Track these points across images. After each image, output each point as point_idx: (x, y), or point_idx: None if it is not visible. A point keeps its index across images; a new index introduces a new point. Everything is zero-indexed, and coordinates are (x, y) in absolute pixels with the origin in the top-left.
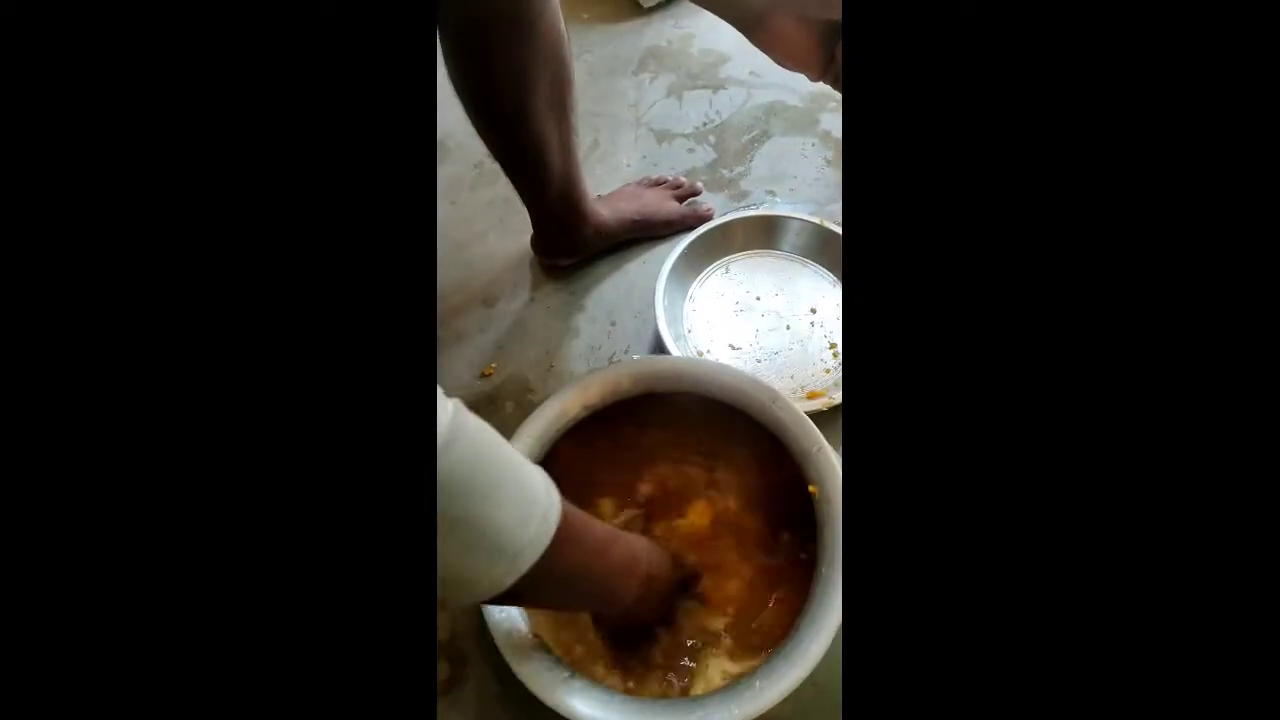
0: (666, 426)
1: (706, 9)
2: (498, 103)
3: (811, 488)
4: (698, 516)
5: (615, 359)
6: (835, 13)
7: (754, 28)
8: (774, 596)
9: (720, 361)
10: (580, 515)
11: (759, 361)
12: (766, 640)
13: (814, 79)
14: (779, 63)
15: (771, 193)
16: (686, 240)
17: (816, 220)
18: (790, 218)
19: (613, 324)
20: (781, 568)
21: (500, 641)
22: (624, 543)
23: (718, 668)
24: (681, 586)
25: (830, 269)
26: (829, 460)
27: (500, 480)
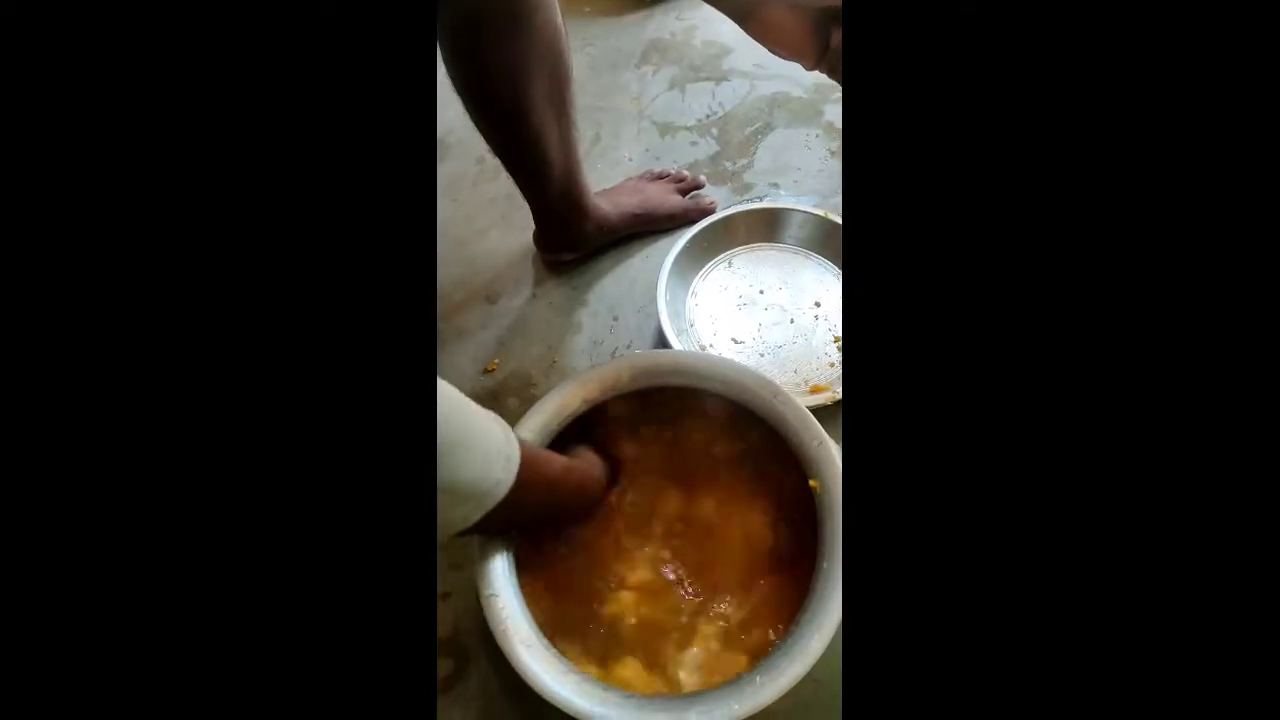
0: (666, 420)
1: (703, 0)
2: (495, 98)
3: (812, 482)
4: (697, 510)
5: (618, 354)
6: (827, 0)
7: (747, 17)
8: (774, 591)
9: (722, 356)
10: (537, 455)
11: (762, 356)
12: (765, 635)
13: (809, 68)
14: (774, 52)
15: (775, 185)
16: (689, 234)
17: (820, 213)
18: (793, 210)
19: (615, 319)
20: (782, 563)
21: (499, 637)
22: (577, 471)
23: (713, 661)
24: (612, 481)
25: (834, 261)
26: (830, 455)
27: (466, 432)
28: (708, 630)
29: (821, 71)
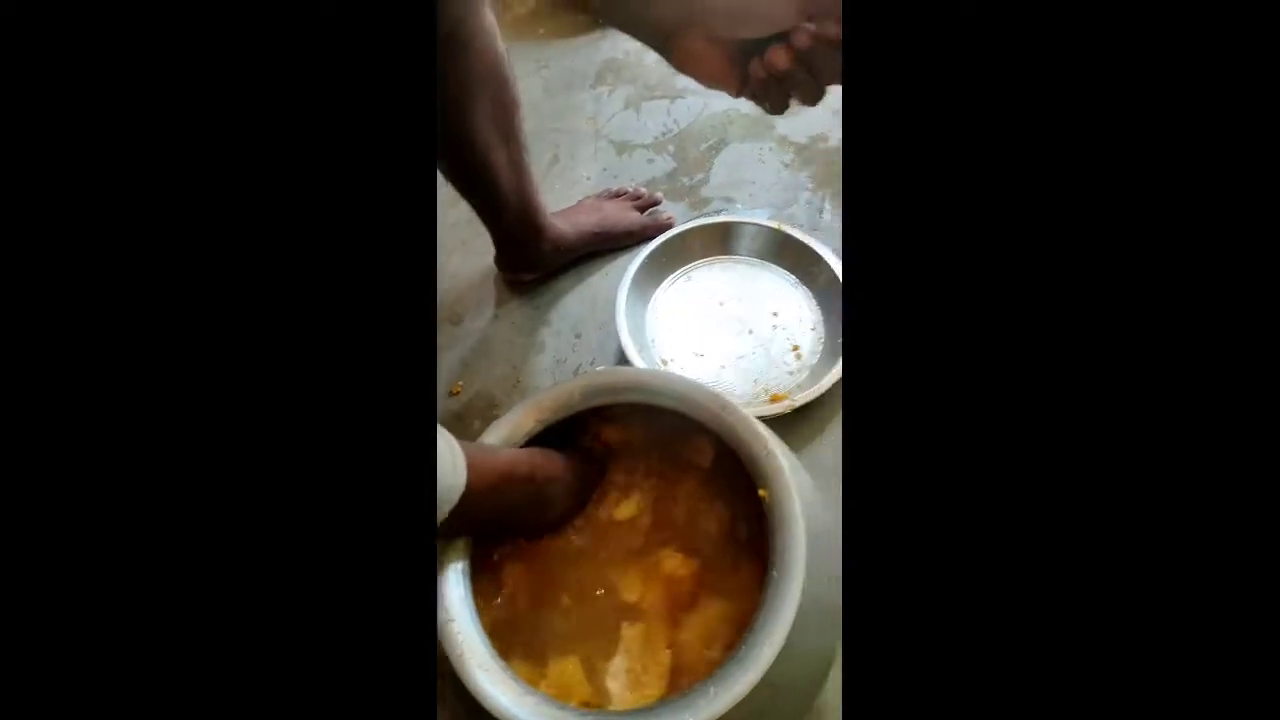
0: (622, 437)
1: (624, 33)
2: (438, 126)
3: (762, 492)
4: (650, 524)
5: (581, 371)
6: (743, 32)
7: (666, 49)
8: (726, 601)
9: (672, 371)
10: (479, 452)
11: (723, 367)
12: (717, 647)
13: (733, 95)
14: (698, 81)
15: (730, 199)
16: (646, 250)
17: (774, 225)
18: (746, 223)
19: (578, 336)
20: (734, 574)
21: (455, 662)
22: (523, 463)
23: (660, 675)
24: (598, 474)
25: (790, 270)
26: (778, 464)
27: None
28: (639, 635)
29: (745, 98)
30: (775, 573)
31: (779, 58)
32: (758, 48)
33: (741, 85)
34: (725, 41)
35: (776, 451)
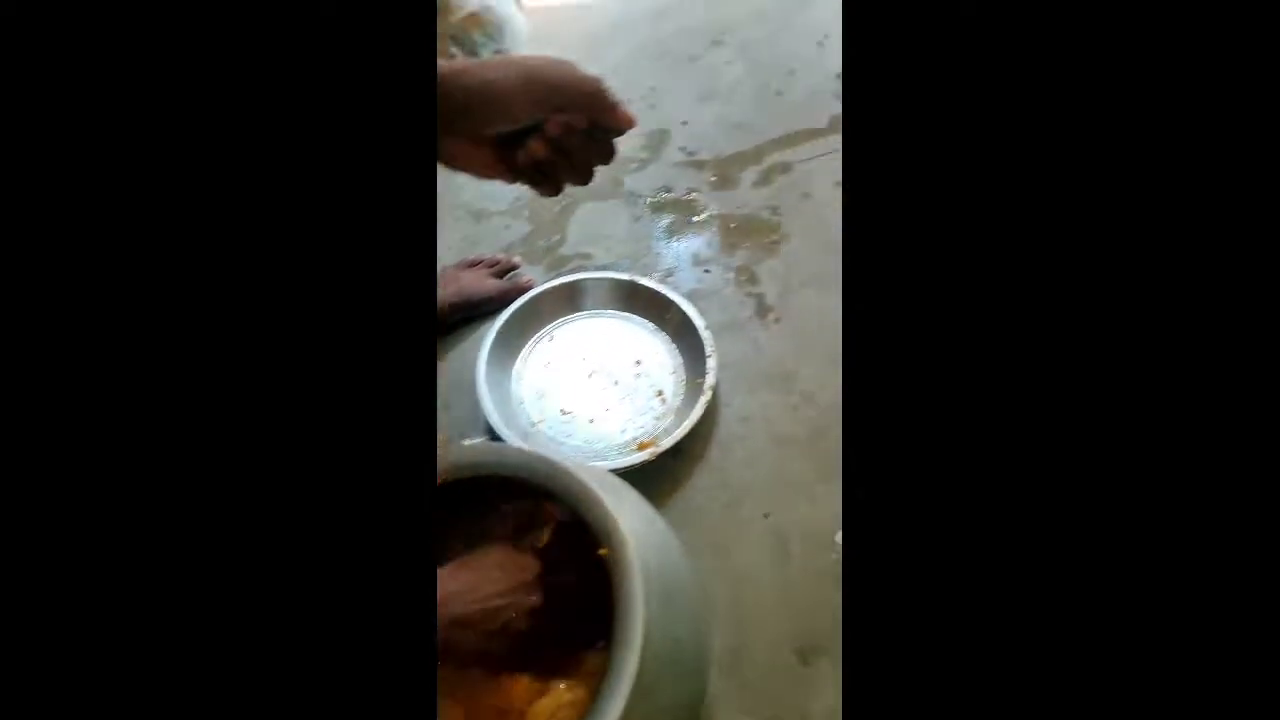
0: (469, 515)
1: None
2: None
3: (602, 550)
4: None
5: (451, 443)
6: (496, 128)
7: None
8: (579, 670)
9: (516, 445)
10: None
11: (592, 421)
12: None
13: (508, 183)
14: (472, 175)
15: (588, 255)
16: (502, 318)
17: (624, 276)
18: (599, 278)
19: (446, 409)
20: (585, 633)
21: None
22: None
23: None
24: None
25: (648, 318)
26: (615, 522)
27: None
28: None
29: (521, 184)
30: (619, 629)
31: (536, 148)
32: (520, 139)
33: (513, 174)
34: (485, 138)
35: (613, 509)
